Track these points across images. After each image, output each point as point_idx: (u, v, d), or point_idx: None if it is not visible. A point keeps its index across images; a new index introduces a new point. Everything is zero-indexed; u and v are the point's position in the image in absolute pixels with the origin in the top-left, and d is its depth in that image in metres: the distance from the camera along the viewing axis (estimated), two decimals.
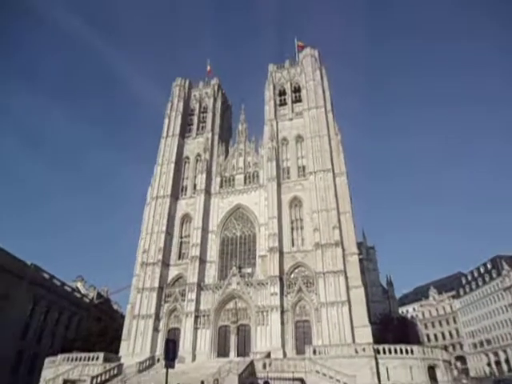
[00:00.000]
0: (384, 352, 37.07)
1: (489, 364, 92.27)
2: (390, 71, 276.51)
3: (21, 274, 60.22)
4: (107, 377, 37.91)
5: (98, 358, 42.63)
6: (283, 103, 66.17)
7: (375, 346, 37.59)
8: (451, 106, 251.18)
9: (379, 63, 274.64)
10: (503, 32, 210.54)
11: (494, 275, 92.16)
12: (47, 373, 43.04)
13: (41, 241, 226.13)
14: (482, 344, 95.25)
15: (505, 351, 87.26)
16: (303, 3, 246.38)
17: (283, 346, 43.78)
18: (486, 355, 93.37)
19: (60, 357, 44.03)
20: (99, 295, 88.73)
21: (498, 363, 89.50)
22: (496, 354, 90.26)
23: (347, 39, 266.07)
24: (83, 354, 43.72)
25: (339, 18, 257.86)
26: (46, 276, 67.81)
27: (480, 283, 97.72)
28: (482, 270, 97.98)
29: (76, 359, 43.07)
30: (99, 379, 36.81)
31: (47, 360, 45.61)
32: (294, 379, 32.72)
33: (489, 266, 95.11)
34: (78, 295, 78.65)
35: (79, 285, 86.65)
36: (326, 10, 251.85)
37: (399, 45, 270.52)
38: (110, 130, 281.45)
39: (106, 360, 42.69)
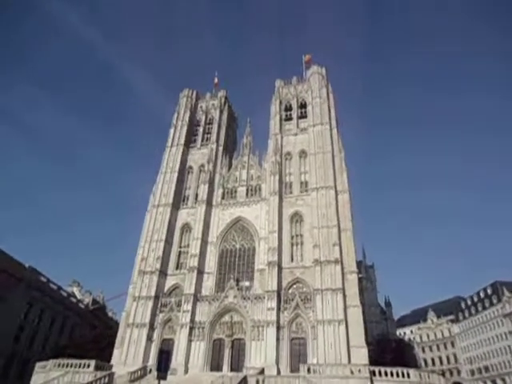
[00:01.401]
0: (380, 374, 36.43)
1: None
2: (389, 82, 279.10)
3: (19, 276, 60.05)
4: None
5: (89, 366, 41.83)
6: (289, 118, 66.69)
7: (371, 368, 36.95)
8: (452, 122, 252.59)
9: (378, 74, 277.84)
10: (504, 42, 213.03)
11: (494, 301, 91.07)
12: (37, 378, 42.32)
13: (36, 240, 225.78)
14: (480, 371, 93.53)
15: (503, 379, 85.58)
16: (306, 16, 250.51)
17: (277, 362, 43.05)
18: (484, 383, 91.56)
19: (51, 362, 43.33)
20: (95, 301, 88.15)
21: None
22: (494, 382, 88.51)
23: (347, 50, 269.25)
24: (74, 361, 42.97)
25: (340, 29, 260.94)
26: (43, 279, 67.56)
27: (480, 308, 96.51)
28: (481, 294, 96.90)
29: (67, 365, 42.33)
30: None
31: (38, 365, 44.87)
32: None
33: (489, 292, 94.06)
34: (74, 300, 78.15)
35: (75, 290, 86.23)
36: (328, 21, 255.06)
37: (398, 56, 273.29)
38: (113, 132, 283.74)
39: (97, 368, 41.96)
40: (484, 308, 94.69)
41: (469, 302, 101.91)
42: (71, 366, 42.04)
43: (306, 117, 64.87)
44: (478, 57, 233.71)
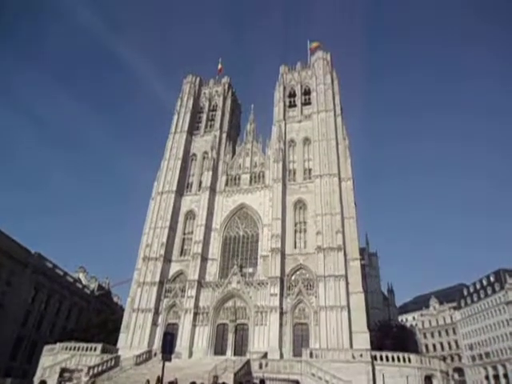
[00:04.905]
0: (381, 359, 37.02)
1: (487, 377, 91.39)
2: (394, 69, 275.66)
3: (25, 261, 60.91)
4: (104, 368, 38.13)
5: (95, 349, 42.98)
6: (292, 105, 66.17)
7: (373, 353, 37.54)
8: (457, 109, 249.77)
9: (382, 61, 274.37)
10: (503, 36, 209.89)
11: (497, 288, 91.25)
12: (45, 360, 43.45)
13: (43, 227, 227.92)
14: (480, 357, 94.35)
15: (504, 366, 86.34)
16: (310, 1, 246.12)
17: (280, 347, 43.77)
18: (485, 368, 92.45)
19: (59, 345, 44.45)
20: (100, 287, 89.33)
21: (496, 377, 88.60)
22: (495, 368, 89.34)
23: (351, 36, 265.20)
24: (81, 344, 44.08)
25: (344, 16, 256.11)
26: (49, 265, 68.46)
27: (482, 296, 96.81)
28: (484, 282, 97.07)
29: (74, 349, 43.46)
30: (96, 370, 37.05)
31: (46, 348, 46.03)
32: (289, 381, 32.74)
33: (492, 279, 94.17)
34: (80, 286, 79.24)
35: (81, 275, 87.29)
36: (332, 7, 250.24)
37: (403, 42, 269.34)
38: (117, 119, 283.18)
39: (103, 351, 43.04)
40: (486, 295, 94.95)
41: (471, 289, 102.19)
42: (78, 349, 43.16)
43: (310, 103, 64.32)
44: (482, 41, 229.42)
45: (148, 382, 24.23)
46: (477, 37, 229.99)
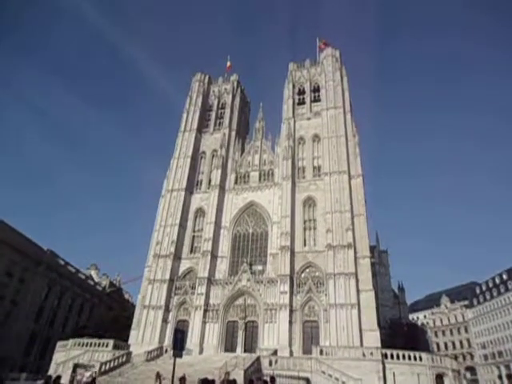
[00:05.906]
0: (392, 357, 36.78)
1: (500, 377, 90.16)
2: (403, 65, 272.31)
3: (38, 259, 61.83)
4: (116, 364, 38.57)
5: (107, 345, 43.53)
6: (302, 102, 65.89)
7: (383, 351, 37.31)
8: (468, 107, 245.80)
9: (392, 57, 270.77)
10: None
11: (510, 286, 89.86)
12: (58, 356, 44.14)
13: (56, 225, 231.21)
14: (493, 356, 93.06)
15: None
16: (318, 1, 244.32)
17: (290, 344, 43.79)
18: (498, 368, 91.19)
19: (71, 341, 45.14)
20: (111, 284, 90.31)
21: (509, 377, 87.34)
22: (508, 367, 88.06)
23: (360, 33, 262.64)
24: (94, 340, 44.70)
25: (353, 12, 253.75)
26: (61, 262, 69.40)
27: (495, 294, 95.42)
28: (497, 280, 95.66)
29: (87, 345, 44.07)
30: (108, 366, 37.50)
31: (59, 344, 46.76)
32: (299, 378, 32.73)
33: (504, 277, 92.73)
34: (91, 283, 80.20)
35: (93, 273, 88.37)
36: (341, 3, 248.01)
37: (408, 44, 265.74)
38: (126, 118, 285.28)
39: (115, 347, 43.58)
40: (499, 293, 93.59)
41: (483, 288, 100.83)
42: (90, 345, 43.74)
43: (319, 100, 64.00)
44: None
45: (157, 374, 24.55)
46: (489, 34, 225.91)
